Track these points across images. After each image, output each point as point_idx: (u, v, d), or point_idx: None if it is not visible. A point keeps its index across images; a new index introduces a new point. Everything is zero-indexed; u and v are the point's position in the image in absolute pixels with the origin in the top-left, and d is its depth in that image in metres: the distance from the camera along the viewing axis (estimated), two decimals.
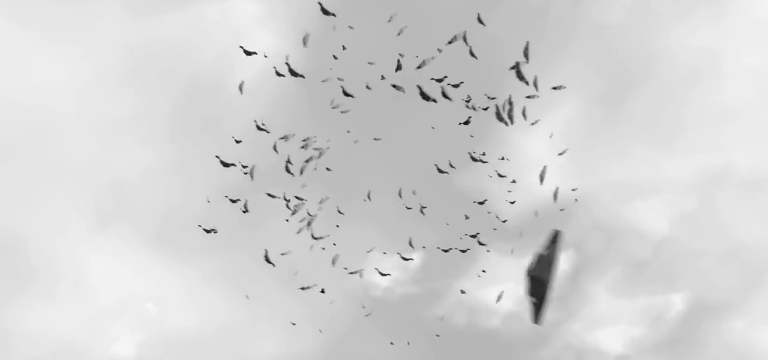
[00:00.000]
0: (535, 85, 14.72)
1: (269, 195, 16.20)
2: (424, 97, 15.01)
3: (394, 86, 15.58)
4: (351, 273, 16.45)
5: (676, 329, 17.29)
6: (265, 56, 16.01)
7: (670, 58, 14.51)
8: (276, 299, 18.76)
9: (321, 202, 16.12)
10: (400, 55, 15.05)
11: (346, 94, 15.82)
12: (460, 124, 15.51)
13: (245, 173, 17.05)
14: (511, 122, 15.22)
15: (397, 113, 15.71)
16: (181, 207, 18.49)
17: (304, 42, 15.17)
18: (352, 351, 18.74)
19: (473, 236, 16.34)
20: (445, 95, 14.71)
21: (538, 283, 7.51)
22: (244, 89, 16.50)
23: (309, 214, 16.01)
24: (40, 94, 18.10)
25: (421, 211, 16.37)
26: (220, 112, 17.86)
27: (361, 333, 18.52)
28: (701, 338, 17.26)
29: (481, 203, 15.89)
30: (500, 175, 15.88)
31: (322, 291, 17.00)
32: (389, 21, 15.53)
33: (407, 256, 16.40)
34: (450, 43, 14.52)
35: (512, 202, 16.16)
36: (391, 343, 16.78)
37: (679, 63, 14.70)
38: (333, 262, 16.73)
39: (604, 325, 17.33)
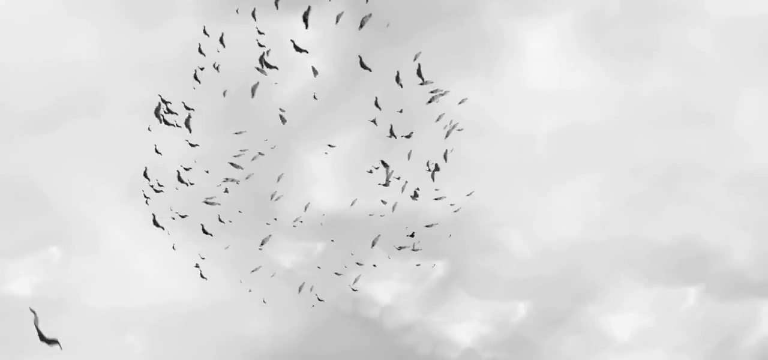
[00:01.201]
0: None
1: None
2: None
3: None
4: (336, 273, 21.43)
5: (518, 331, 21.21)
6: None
7: (446, 110, 18.78)
8: (268, 283, 21.82)
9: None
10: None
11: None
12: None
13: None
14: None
15: None
16: (204, 194, 20.60)
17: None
18: (330, 335, 23.49)
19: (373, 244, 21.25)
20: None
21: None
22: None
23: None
24: (97, 73, 20.90)
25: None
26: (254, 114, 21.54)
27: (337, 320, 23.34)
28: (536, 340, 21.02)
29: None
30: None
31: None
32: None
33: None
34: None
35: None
36: (313, 306, 21.92)
37: (453, 115, 18.94)
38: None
39: (459, 321, 21.67)
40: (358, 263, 20.71)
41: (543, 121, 19.49)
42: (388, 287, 20.85)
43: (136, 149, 22.97)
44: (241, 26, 20.51)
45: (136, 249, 24.19)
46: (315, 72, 18.63)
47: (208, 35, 18.13)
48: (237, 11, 18.97)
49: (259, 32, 18.94)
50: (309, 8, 16.12)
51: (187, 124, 17.97)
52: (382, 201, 20.20)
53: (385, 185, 19.43)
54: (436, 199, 19.75)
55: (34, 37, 22.17)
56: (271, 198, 19.25)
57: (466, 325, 21.31)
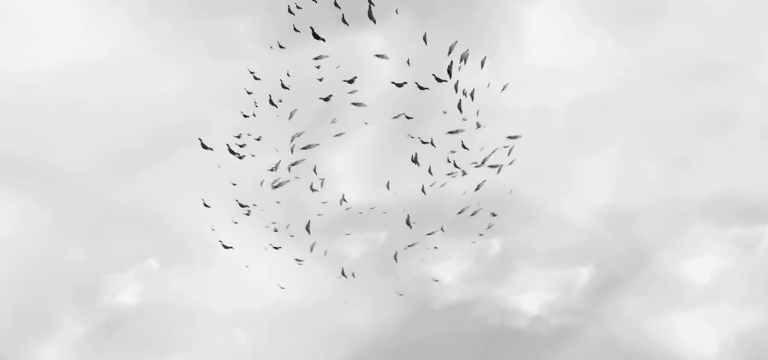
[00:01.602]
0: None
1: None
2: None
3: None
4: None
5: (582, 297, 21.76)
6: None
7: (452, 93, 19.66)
8: (366, 277, 24.05)
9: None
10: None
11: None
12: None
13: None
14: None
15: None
16: (301, 205, 23.40)
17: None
18: (425, 321, 25.34)
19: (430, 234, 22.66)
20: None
21: None
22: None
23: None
24: (198, 103, 24.16)
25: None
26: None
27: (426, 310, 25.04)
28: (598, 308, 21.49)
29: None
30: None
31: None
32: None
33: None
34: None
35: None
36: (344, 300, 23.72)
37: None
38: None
39: (524, 291, 22.51)
40: (430, 232, 21.80)
41: (556, 95, 20.03)
42: (447, 267, 22.10)
43: (233, 172, 25.75)
44: (307, 49, 22.54)
45: (245, 259, 26.96)
46: (382, 56, 20.00)
47: (251, 73, 20.37)
48: (270, 47, 20.99)
49: (317, 66, 20.89)
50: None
51: (231, 152, 20.26)
52: (456, 167, 20.96)
53: (448, 176, 20.50)
54: (491, 164, 20.38)
55: (133, 77, 25.66)
56: (311, 189, 21.11)
57: (530, 294, 22.12)
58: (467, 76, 17.95)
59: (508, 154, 19.90)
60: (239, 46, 24.46)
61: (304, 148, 20.88)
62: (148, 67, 25.62)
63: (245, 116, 21.62)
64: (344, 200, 21.30)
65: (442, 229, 20.48)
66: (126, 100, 25.67)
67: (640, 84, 19.47)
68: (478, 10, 19.91)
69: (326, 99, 20.97)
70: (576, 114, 20.21)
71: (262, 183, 21.25)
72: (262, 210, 24.28)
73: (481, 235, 21.71)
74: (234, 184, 23.21)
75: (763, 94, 18.59)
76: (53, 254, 27.01)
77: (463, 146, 19.17)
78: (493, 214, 21.60)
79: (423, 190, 19.96)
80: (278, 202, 23.77)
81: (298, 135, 20.47)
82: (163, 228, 27.29)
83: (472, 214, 20.71)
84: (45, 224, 27.04)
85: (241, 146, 22.37)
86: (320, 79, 20.91)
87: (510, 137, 20.07)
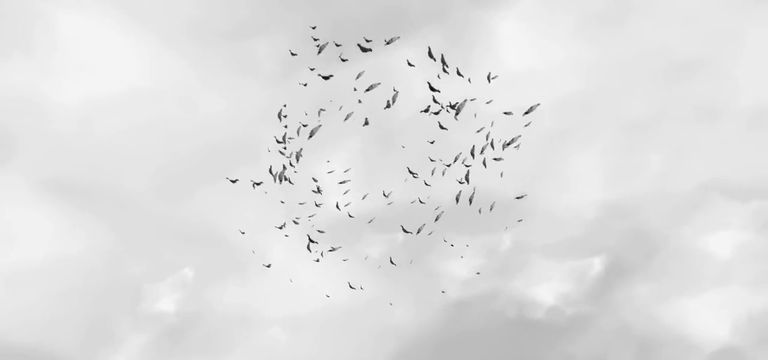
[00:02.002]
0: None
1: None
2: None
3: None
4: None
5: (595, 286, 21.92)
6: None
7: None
8: (410, 277, 25.60)
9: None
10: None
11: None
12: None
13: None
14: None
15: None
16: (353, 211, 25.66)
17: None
18: (466, 318, 26.20)
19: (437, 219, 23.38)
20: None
21: None
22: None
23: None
24: (253, 125, 26.05)
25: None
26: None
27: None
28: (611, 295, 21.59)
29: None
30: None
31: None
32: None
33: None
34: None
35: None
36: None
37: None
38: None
39: (539, 283, 22.83)
40: (437, 217, 22.45)
41: (535, 97, 20.28)
42: (462, 264, 22.75)
43: (283, 185, 27.22)
44: (340, 74, 23.80)
45: (295, 268, 28.52)
46: (409, 63, 21.20)
47: (285, 116, 21.88)
48: (298, 84, 22.37)
49: (354, 89, 22.29)
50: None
51: (254, 185, 21.90)
52: (459, 180, 21.86)
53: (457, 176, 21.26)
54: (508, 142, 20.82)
55: (178, 101, 27.75)
56: (316, 203, 22.32)
57: (546, 285, 22.46)
58: (448, 85, 18.67)
59: (507, 145, 20.39)
60: (266, 67, 26.07)
61: (309, 137, 22.08)
62: (190, 91, 27.63)
63: (283, 169, 22.97)
64: (348, 212, 22.36)
65: (436, 219, 21.13)
66: (174, 122, 27.78)
67: (613, 82, 19.60)
68: (447, 21, 20.53)
69: (366, 123, 22.27)
70: (559, 113, 20.50)
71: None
72: (308, 219, 25.51)
73: (520, 220, 22.25)
74: (282, 202, 24.64)
75: (745, 84, 18.31)
76: (117, 269, 29.38)
77: (465, 166, 19.95)
78: (518, 197, 22.04)
79: (420, 201, 20.86)
80: (318, 205, 25.06)
81: (300, 128, 21.60)
82: (217, 241, 29.12)
83: (469, 200, 21.21)
84: (108, 242, 29.41)
85: (281, 179, 23.72)
86: (359, 101, 22.21)
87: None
